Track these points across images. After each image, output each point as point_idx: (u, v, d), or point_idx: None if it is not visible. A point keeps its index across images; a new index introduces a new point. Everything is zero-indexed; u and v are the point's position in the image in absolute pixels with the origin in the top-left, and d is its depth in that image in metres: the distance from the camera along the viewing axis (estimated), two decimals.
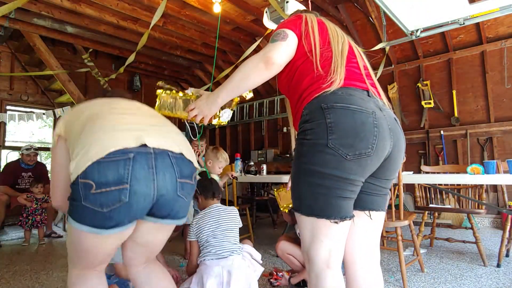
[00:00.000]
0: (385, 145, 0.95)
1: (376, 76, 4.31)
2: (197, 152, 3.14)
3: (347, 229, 0.99)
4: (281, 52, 1.04)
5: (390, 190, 2.15)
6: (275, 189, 2.22)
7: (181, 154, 1.05)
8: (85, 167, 0.91)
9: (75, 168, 0.93)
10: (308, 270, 0.99)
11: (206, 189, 1.91)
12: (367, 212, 1.07)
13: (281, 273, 2.13)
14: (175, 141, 1.06)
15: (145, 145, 0.97)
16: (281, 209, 2.18)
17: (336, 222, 0.94)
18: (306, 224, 0.98)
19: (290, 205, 2.15)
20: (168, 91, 1.25)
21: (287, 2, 2.81)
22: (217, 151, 2.69)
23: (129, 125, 1.02)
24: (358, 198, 1.03)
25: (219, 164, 2.66)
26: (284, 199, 2.17)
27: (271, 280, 2.11)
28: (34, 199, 3.63)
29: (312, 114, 0.96)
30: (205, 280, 1.57)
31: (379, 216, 1.10)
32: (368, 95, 1.01)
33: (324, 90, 0.97)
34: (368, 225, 1.08)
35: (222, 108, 1.25)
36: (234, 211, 1.87)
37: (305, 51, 1.07)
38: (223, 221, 1.79)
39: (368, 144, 0.91)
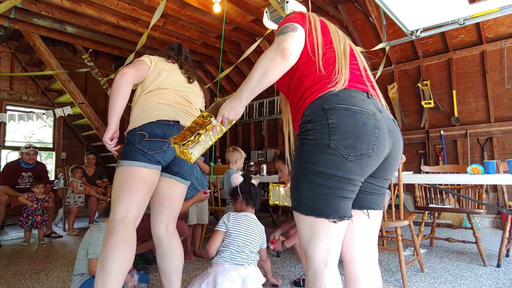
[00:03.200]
0: (385, 146, 0.97)
1: (376, 76, 4.30)
2: None
3: (345, 229, 1.00)
4: (295, 42, 1.02)
5: (390, 190, 2.15)
6: (271, 183, 2.24)
7: None
8: (142, 124, 1.46)
9: (133, 123, 1.49)
10: (306, 268, 0.99)
11: (250, 196, 1.90)
12: (365, 211, 1.08)
13: (277, 237, 2.18)
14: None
15: (178, 122, 1.53)
16: (270, 203, 2.25)
17: (335, 222, 0.95)
18: (305, 223, 0.98)
19: (278, 203, 2.20)
20: (189, 142, 1.22)
21: (287, 2, 2.81)
22: (237, 149, 2.94)
23: (173, 106, 1.57)
24: (357, 197, 1.03)
25: (242, 160, 2.94)
26: (275, 196, 2.20)
27: (268, 244, 2.10)
28: (35, 199, 3.63)
29: (314, 115, 0.97)
30: (220, 282, 1.57)
31: (377, 215, 1.12)
32: (368, 97, 1.02)
33: (329, 90, 0.98)
34: (366, 224, 1.10)
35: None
36: (262, 227, 1.87)
37: (307, 51, 1.07)
38: (252, 232, 1.78)
39: (369, 145, 0.93)
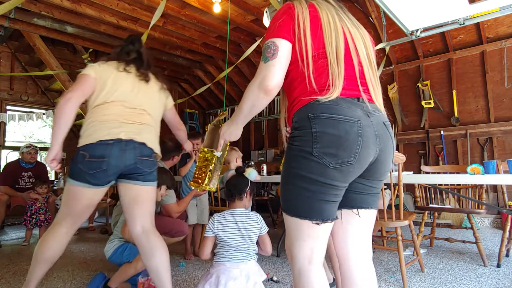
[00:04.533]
0: (369, 153, 0.98)
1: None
2: (194, 150, 3.24)
3: (329, 230, 1.04)
4: (275, 74, 1.02)
5: (390, 190, 2.15)
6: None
7: (144, 143, 1.65)
8: (84, 144, 1.54)
9: (80, 141, 1.56)
10: (291, 266, 1.05)
11: (234, 187, 1.78)
12: (355, 210, 1.10)
13: None
14: (140, 135, 1.64)
15: (119, 139, 1.56)
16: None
17: (318, 224, 0.99)
18: (291, 223, 1.03)
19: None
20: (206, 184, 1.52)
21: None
22: (235, 149, 2.99)
23: (117, 119, 1.60)
24: (348, 197, 1.07)
25: (240, 159, 2.98)
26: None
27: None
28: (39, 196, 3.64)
29: (300, 122, 1.00)
30: (223, 282, 1.56)
31: (370, 214, 1.13)
32: (359, 101, 1.01)
33: (316, 99, 0.99)
34: (359, 223, 1.11)
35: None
36: (257, 216, 1.78)
37: (297, 58, 1.04)
38: (242, 227, 1.71)
39: (351, 154, 0.95)
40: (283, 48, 1.02)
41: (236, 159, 2.88)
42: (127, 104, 1.65)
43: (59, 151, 1.58)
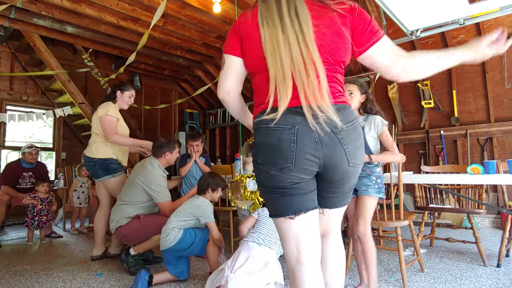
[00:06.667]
0: (307, 158, 0.98)
1: (376, 77, 4.23)
2: (194, 151, 3.25)
3: (311, 222, 1.06)
4: (220, 85, 1.16)
5: (390, 190, 2.15)
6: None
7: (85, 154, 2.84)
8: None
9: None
10: (286, 266, 1.10)
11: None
12: (320, 210, 1.15)
13: None
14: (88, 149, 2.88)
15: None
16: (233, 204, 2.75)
17: (292, 218, 1.04)
18: (276, 225, 1.10)
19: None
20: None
21: None
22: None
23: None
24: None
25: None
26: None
27: (249, 142, 2.31)
28: (39, 199, 3.63)
29: (253, 134, 1.11)
30: (245, 257, 1.84)
31: (335, 211, 1.19)
32: (301, 109, 0.97)
33: (261, 111, 1.06)
34: (326, 219, 1.18)
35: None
36: None
37: (248, 66, 1.13)
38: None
39: (287, 160, 0.98)
40: (229, 63, 1.14)
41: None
42: None
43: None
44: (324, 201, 1.14)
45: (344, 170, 1.04)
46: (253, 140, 1.10)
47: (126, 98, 3.01)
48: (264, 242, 1.94)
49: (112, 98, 2.99)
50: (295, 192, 1.02)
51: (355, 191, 1.92)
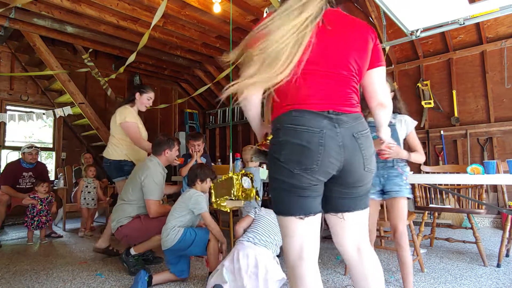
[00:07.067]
0: (331, 161, 1.05)
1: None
2: (196, 151, 3.25)
3: (315, 224, 1.10)
4: (246, 93, 1.12)
5: None
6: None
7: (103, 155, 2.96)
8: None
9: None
10: (285, 262, 1.12)
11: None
12: (339, 214, 1.16)
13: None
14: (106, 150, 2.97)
15: None
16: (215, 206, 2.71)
17: (302, 218, 1.07)
18: (281, 222, 1.12)
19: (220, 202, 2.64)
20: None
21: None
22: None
23: None
24: (331, 202, 1.15)
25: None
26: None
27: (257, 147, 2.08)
28: (38, 200, 3.63)
29: (273, 132, 1.13)
30: (241, 257, 1.87)
31: (355, 215, 1.17)
32: (329, 113, 1.06)
33: (283, 112, 1.10)
34: (346, 224, 1.16)
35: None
36: None
37: None
38: (275, 225, 2.09)
39: (313, 161, 1.03)
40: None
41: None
42: None
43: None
44: (341, 204, 1.15)
45: (359, 174, 1.10)
46: (272, 138, 1.13)
47: (145, 100, 3.06)
48: (260, 242, 1.96)
49: (131, 101, 3.05)
50: (309, 194, 1.07)
51: (385, 192, 1.87)
